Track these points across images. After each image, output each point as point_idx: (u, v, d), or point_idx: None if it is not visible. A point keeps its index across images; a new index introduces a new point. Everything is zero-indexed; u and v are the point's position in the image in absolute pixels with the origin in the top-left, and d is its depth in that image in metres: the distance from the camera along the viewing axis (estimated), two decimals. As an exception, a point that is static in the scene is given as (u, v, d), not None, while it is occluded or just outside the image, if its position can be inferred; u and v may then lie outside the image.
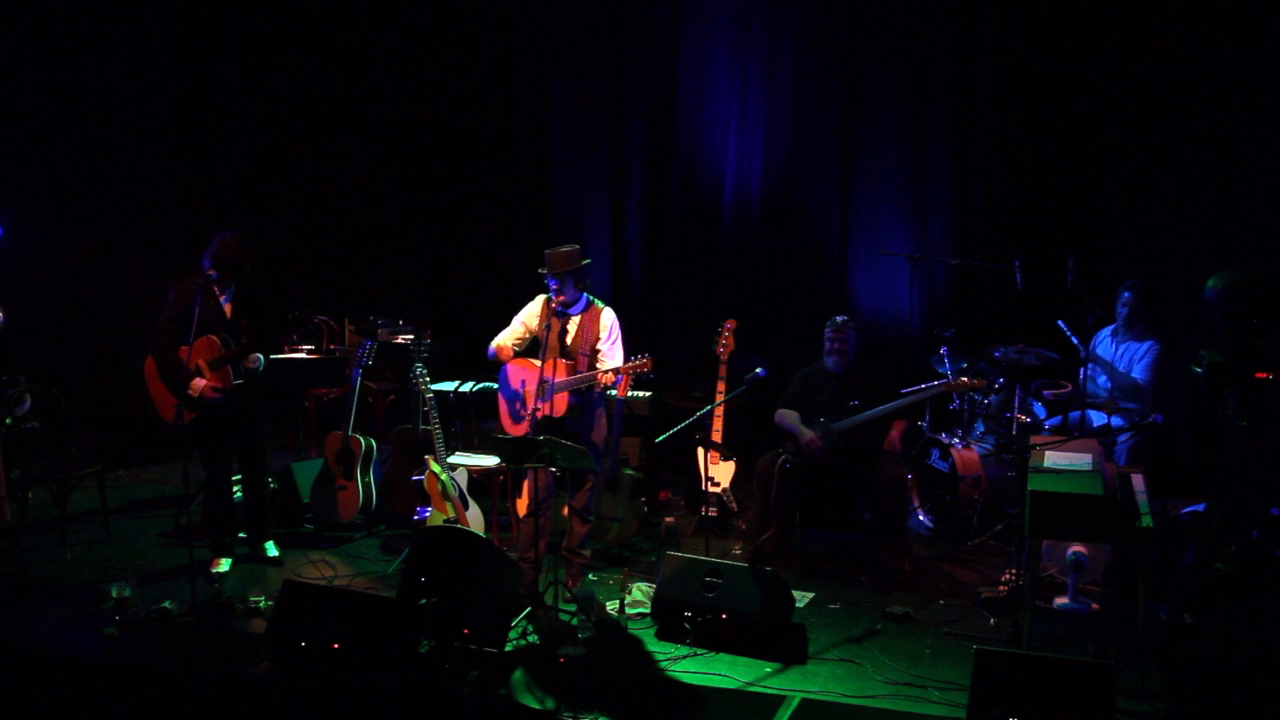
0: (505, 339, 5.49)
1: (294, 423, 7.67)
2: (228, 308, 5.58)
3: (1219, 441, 6.09)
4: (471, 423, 6.92)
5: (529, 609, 5.00)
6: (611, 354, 5.28)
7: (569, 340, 5.31)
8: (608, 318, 5.34)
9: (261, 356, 5.57)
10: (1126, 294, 6.02)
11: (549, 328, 5.24)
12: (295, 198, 8.63)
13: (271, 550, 5.88)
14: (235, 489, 6.04)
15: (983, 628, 5.02)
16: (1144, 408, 5.90)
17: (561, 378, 5.21)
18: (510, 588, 4.84)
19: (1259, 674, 4.46)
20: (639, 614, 5.12)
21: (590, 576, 5.59)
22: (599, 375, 5.11)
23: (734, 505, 6.40)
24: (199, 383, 5.44)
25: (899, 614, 5.12)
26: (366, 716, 4.34)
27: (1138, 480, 4.82)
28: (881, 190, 7.58)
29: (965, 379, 5.84)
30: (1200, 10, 6.52)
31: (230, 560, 5.76)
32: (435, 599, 4.59)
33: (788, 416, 5.92)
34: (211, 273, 5.42)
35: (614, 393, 5.42)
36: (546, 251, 5.26)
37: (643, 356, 5.08)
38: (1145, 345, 6.00)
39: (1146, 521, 4.51)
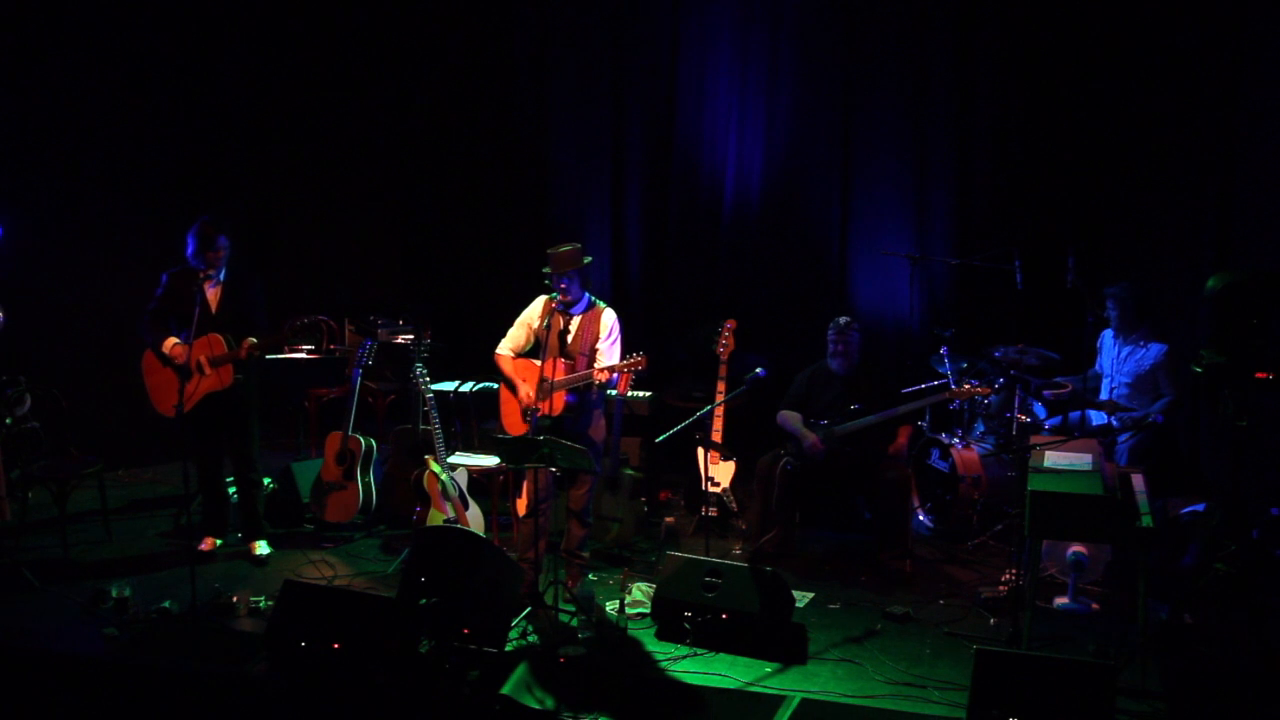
0: (507, 347, 5.46)
1: (294, 423, 7.66)
2: (213, 298, 5.62)
3: (1219, 441, 6.10)
4: (471, 423, 6.92)
5: (529, 609, 5.00)
6: (610, 354, 5.27)
7: (569, 340, 5.31)
8: (608, 318, 5.34)
9: (254, 340, 5.60)
10: (1109, 300, 6.05)
11: (549, 326, 5.23)
12: (295, 198, 8.63)
13: (262, 549, 5.88)
14: (231, 489, 6.06)
15: (983, 628, 5.02)
16: (1166, 407, 5.93)
17: (560, 377, 5.22)
18: (510, 588, 4.84)
19: (1259, 674, 4.46)
20: (639, 614, 5.12)
21: (590, 576, 5.59)
22: (595, 373, 5.11)
23: (734, 505, 6.40)
24: (174, 347, 5.52)
25: (899, 614, 5.12)
26: (366, 716, 4.34)
27: (1138, 480, 4.82)
28: (881, 190, 7.57)
29: (968, 386, 5.82)
30: (1200, 11, 6.52)
31: (220, 540, 5.86)
32: (435, 599, 4.59)
33: (790, 418, 5.92)
34: (209, 268, 5.53)
35: (614, 392, 5.40)
36: (549, 252, 5.26)
37: (637, 354, 5.07)
38: (1153, 350, 5.99)
39: (1146, 521, 4.50)
